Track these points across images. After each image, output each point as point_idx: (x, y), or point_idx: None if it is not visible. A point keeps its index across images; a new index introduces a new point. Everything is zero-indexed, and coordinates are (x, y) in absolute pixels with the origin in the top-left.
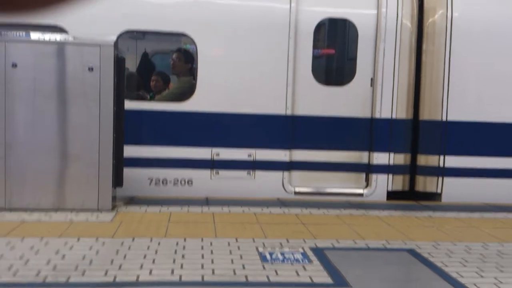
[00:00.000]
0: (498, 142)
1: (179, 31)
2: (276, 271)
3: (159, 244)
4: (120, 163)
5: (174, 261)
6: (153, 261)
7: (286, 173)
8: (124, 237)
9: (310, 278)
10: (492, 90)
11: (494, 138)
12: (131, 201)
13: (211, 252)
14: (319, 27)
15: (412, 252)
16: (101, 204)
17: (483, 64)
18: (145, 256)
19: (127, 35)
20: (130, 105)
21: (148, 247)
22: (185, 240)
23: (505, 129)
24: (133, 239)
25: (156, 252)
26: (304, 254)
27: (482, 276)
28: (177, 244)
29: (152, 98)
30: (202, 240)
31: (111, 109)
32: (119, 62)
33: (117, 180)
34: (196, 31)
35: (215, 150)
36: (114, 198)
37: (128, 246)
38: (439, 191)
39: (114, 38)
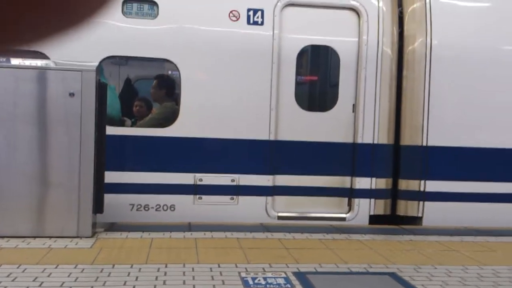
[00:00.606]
0: (478, 166)
1: (162, 57)
2: None
3: (139, 270)
4: (100, 189)
5: (155, 287)
6: None
7: (269, 198)
8: (104, 264)
9: None
10: (472, 115)
11: (474, 163)
12: (112, 227)
13: (193, 278)
14: (302, 53)
15: (393, 275)
16: (80, 231)
17: (462, 90)
18: (125, 283)
19: (109, 61)
20: (112, 130)
21: (129, 274)
22: (166, 266)
23: (485, 154)
24: (113, 266)
25: (136, 278)
26: (286, 279)
27: None
28: (158, 270)
29: (134, 124)
30: (184, 265)
31: (92, 135)
32: (101, 88)
33: (98, 207)
34: (179, 57)
35: (198, 175)
36: (94, 225)
37: (108, 273)
38: (420, 214)
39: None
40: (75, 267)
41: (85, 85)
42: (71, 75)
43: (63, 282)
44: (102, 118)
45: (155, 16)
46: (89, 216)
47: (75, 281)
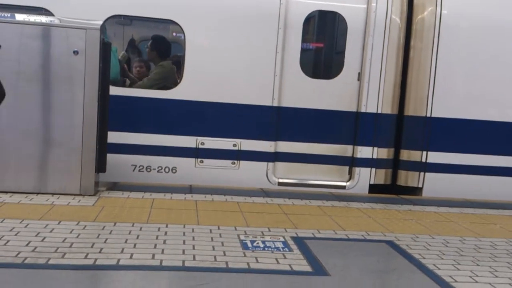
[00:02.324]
0: (480, 139)
1: (168, 18)
2: (256, 259)
3: (140, 229)
4: (103, 148)
5: (155, 246)
6: (134, 246)
7: (270, 164)
8: (106, 222)
9: (290, 266)
10: (478, 88)
11: (476, 136)
12: (114, 186)
13: (193, 238)
14: (309, 19)
15: (391, 243)
16: (83, 189)
17: (470, 62)
18: (126, 241)
19: (114, 20)
20: (116, 91)
21: (130, 232)
22: (167, 226)
23: (488, 127)
24: (115, 224)
25: (137, 237)
26: (284, 243)
27: (458, 269)
28: (159, 229)
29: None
30: (184, 226)
31: (95, 94)
32: (105, 47)
33: (100, 166)
34: (184, 19)
35: (200, 139)
36: (96, 183)
37: (110, 231)
38: (420, 185)
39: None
40: (77, 224)
41: (89, 43)
42: (75, 33)
43: (65, 238)
44: (105, 78)
45: None
46: (92, 174)
47: (77, 237)
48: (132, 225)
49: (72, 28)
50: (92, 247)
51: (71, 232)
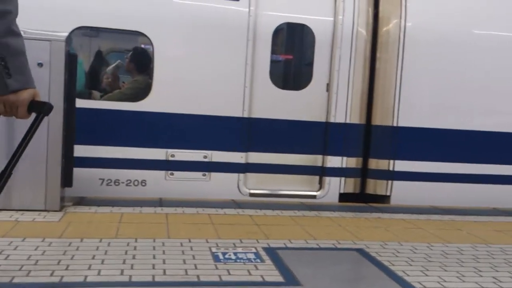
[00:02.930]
0: (445, 148)
1: (135, 29)
2: (228, 271)
3: (109, 244)
4: (70, 162)
5: (124, 261)
6: (102, 262)
7: (241, 175)
8: (72, 238)
9: (262, 277)
10: (442, 98)
11: (442, 144)
12: (81, 201)
13: (163, 252)
14: (278, 31)
15: (361, 251)
16: (48, 204)
17: (434, 73)
18: (93, 257)
19: (80, 32)
20: (82, 103)
21: (97, 248)
22: (136, 240)
23: (453, 135)
24: (82, 240)
25: (105, 252)
26: (256, 254)
27: (426, 275)
28: (127, 244)
29: (104, 97)
30: (154, 240)
31: (61, 107)
32: (71, 58)
33: (66, 180)
34: (153, 30)
35: (170, 151)
36: (62, 199)
37: (76, 247)
38: (388, 193)
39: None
40: (42, 241)
41: (54, 55)
42: (39, 45)
43: (30, 255)
44: (72, 90)
45: None
46: (57, 189)
47: (43, 254)
48: (100, 241)
49: (36, 39)
50: (58, 264)
51: (36, 249)
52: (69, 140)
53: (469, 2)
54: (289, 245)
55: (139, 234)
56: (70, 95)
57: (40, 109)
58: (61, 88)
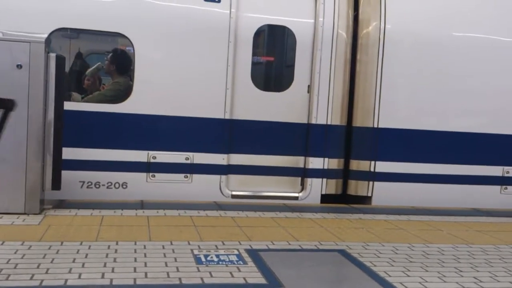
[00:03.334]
0: (426, 148)
1: (116, 31)
2: (210, 273)
3: (89, 247)
4: (58, 165)
5: (105, 264)
6: (83, 265)
7: (223, 177)
8: (52, 241)
9: (244, 279)
10: (422, 99)
11: (422, 145)
12: (61, 204)
13: (145, 255)
14: (259, 33)
15: (343, 252)
16: (28, 207)
17: (414, 75)
18: (74, 260)
19: (59, 33)
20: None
21: (78, 251)
22: (117, 243)
23: (432, 136)
24: (62, 243)
25: (86, 256)
26: (239, 256)
27: (408, 275)
28: (108, 247)
29: (85, 99)
30: (135, 243)
31: (40, 109)
32: (59, 61)
33: (55, 183)
34: (133, 32)
35: (152, 153)
36: (42, 201)
37: (56, 250)
38: (369, 194)
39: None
40: (22, 244)
41: (34, 57)
42: (18, 46)
43: (9, 259)
44: (59, 92)
45: None
46: (37, 192)
47: (22, 258)
48: (80, 244)
49: (15, 41)
50: (38, 267)
51: (15, 253)
52: (57, 143)
53: (449, 5)
54: (271, 246)
55: (120, 237)
56: (58, 98)
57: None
58: (40, 90)
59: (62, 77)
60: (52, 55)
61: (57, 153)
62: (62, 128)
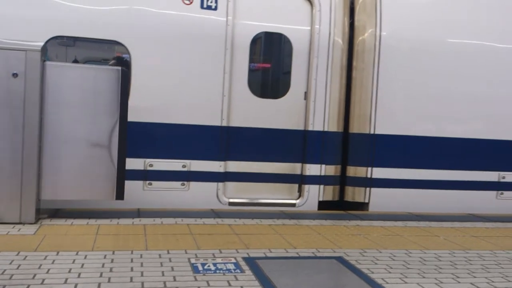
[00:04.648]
0: (422, 154)
1: (113, 39)
2: (207, 282)
3: (85, 257)
4: (122, 175)
5: (101, 274)
6: (79, 275)
7: (220, 184)
8: (48, 251)
9: None
10: (418, 105)
11: (418, 151)
12: (57, 213)
13: (141, 264)
14: (255, 40)
15: (340, 259)
16: (23, 217)
17: (410, 81)
18: (70, 270)
19: (56, 41)
20: None
21: (74, 261)
22: (113, 253)
23: (430, 142)
24: (58, 253)
25: (82, 266)
26: (236, 264)
27: (405, 282)
28: (105, 257)
29: None
30: (131, 252)
31: (36, 118)
32: (123, 73)
33: (119, 193)
34: (130, 39)
35: (149, 160)
36: (38, 211)
37: (52, 260)
38: (366, 200)
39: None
40: (17, 254)
41: (30, 65)
42: (14, 55)
43: (5, 270)
44: (124, 104)
45: None
46: (33, 201)
47: (18, 268)
48: (76, 254)
49: (11, 49)
50: (33, 278)
51: (11, 263)
52: (121, 153)
53: (443, 12)
54: (269, 254)
55: (117, 246)
56: (123, 108)
57: None
58: (36, 98)
59: (127, 89)
60: (117, 69)
61: (121, 163)
62: (126, 139)
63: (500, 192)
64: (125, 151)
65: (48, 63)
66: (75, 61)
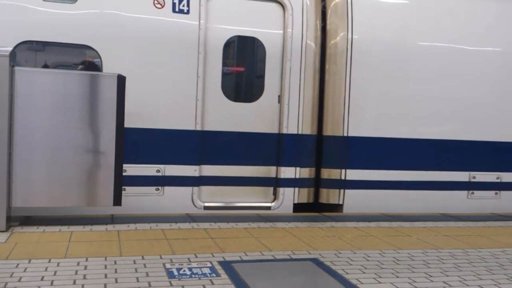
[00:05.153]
0: (396, 156)
1: (83, 43)
2: (183, 287)
3: (58, 265)
4: (119, 182)
5: (74, 282)
6: (52, 283)
7: (195, 188)
8: (20, 259)
9: None
10: (390, 107)
11: (391, 152)
12: (28, 221)
13: (115, 271)
14: (228, 44)
15: (315, 261)
16: None
17: (382, 84)
18: (42, 278)
19: (25, 46)
20: None
21: (46, 269)
22: (87, 259)
23: (402, 144)
24: (30, 261)
25: (54, 273)
26: (212, 268)
27: (379, 282)
28: (78, 264)
29: None
30: (105, 259)
31: (5, 124)
32: (120, 80)
33: (116, 199)
34: (101, 44)
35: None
36: (9, 218)
37: (24, 268)
38: (340, 202)
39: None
40: None
41: None
42: None
43: None
44: (120, 111)
45: (74, 0)
46: (3, 209)
47: None
48: (49, 261)
49: None
50: (5, 287)
51: None
52: (119, 160)
53: (414, 15)
54: (244, 258)
55: (90, 253)
56: (119, 116)
57: None
58: (5, 105)
59: (123, 95)
60: (113, 75)
61: (118, 169)
62: (123, 146)
63: (471, 191)
64: (122, 157)
65: (17, 68)
66: (45, 66)
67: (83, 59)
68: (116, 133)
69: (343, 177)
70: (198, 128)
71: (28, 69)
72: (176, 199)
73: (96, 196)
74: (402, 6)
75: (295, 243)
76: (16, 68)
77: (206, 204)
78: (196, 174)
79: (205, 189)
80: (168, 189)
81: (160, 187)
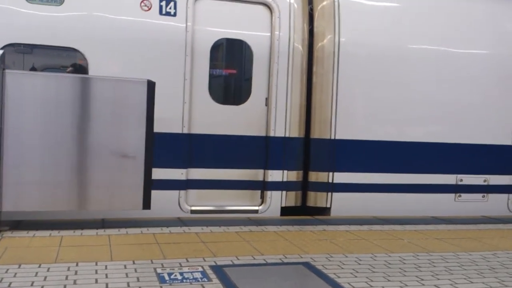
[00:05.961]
0: (383, 159)
1: (69, 45)
2: None
3: (48, 270)
4: (149, 185)
5: (65, 287)
6: None
7: (182, 192)
8: (10, 264)
9: None
10: (377, 110)
11: (379, 155)
12: (18, 225)
13: (106, 276)
14: (216, 46)
15: (307, 265)
16: None
17: (369, 86)
18: (32, 283)
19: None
20: None
21: (36, 274)
22: (77, 264)
23: (389, 146)
24: (20, 266)
25: (45, 278)
26: (203, 273)
27: (371, 286)
28: (68, 269)
29: None
30: (96, 264)
31: None
32: (150, 85)
33: (145, 203)
34: (87, 46)
35: None
36: None
37: (14, 273)
38: (328, 205)
39: None
40: None
41: None
42: None
43: None
44: (150, 116)
45: (61, 2)
46: None
47: None
48: (39, 266)
49: None
50: None
51: None
52: (148, 163)
53: (400, 18)
54: (236, 262)
55: (80, 257)
56: (149, 120)
57: None
58: None
59: (153, 101)
60: (143, 81)
61: (148, 173)
62: (152, 149)
63: (458, 194)
64: (151, 162)
65: (7, 71)
66: (33, 69)
67: (72, 62)
68: (145, 138)
69: (330, 180)
70: (185, 131)
71: (19, 72)
72: (162, 202)
73: (124, 200)
74: (390, 9)
75: (286, 247)
76: (7, 71)
77: (193, 208)
78: (183, 177)
79: (192, 192)
80: (154, 193)
81: None
